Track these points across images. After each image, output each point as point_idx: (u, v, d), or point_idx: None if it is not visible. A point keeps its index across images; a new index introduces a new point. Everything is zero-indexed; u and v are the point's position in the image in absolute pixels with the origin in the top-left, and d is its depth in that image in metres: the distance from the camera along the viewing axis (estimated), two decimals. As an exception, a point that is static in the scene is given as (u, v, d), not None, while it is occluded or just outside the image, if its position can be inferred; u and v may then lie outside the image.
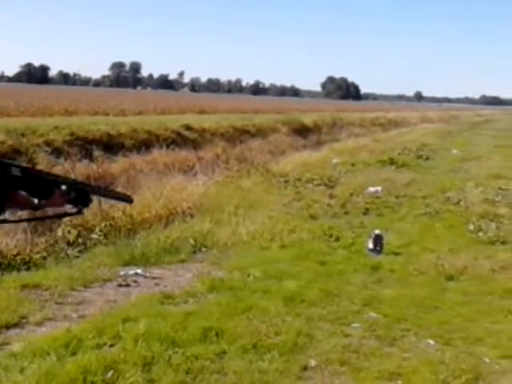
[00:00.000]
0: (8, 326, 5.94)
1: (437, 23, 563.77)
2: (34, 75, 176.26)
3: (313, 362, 5.34)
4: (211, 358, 5.30)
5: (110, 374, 4.81)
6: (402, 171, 19.26)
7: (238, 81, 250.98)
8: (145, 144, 22.00)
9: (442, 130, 47.48)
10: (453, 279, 7.95)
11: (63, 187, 2.05)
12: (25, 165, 1.99)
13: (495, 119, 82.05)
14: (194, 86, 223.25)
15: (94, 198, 2.25)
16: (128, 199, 2.64)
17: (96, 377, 4.75)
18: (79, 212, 2.12)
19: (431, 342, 5.92)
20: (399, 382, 5.04)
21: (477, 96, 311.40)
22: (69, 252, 8.85)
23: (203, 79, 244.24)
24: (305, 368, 5.25)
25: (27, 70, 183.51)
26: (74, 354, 5.21)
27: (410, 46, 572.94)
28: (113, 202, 2.29)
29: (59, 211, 2.14)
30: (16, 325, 6.04)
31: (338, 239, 9.93)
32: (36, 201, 2.05)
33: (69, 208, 2.16)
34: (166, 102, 48.36)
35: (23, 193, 2.01)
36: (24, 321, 6.15)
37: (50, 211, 2.19)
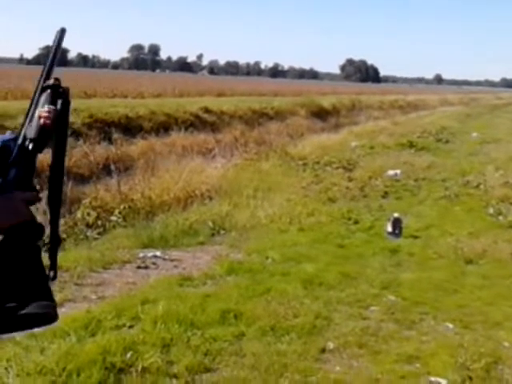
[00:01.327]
0: (28, 307, 5.98)
1: (457, 5, 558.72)
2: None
3: (331, 345, 5.35)
4: (229, 339, 5.32)
5: (129, 354, 4.84)
6: (421, 154, 19.16)
7: (257, 63, 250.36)
8: (163, 126, 21.98)
9: (462, 112, 47.16)
10: (472, 263, 7.93)
11: None
12: None
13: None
14: (213, 69, 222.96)
15: None
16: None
17: (115, 357, 4.78)
18: None
19: (450, 325, 5.91)
20: (417, 365, 5.04)
21: (497, 79, 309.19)
22: (88, 234, 8.89)
23: (222, 62, 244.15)
24: (323, 350, 5.26)
25: (46, 53, 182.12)
26: (93, 334, 5.25)
27: (430, 29, 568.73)
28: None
29: None
30: (36, 306, 6.07)
31: (356, 222, 9.92)
32: None
33: None
34: (185, 84, 48.25)
35: None
36: (44, 302, 6.19)
37: None
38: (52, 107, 1.97)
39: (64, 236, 8.72)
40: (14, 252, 1.81)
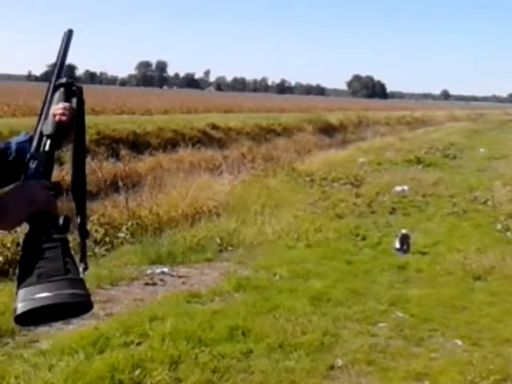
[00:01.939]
0: (36, 324, 5.97)
1: (464, 21, 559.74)
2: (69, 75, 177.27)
3: (339, 362, 5.34)
4: (238, 356, 5.31)
5: (137, 372, 4.83)
6: (428, 170, 19.16)
7: (264, 80, 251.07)
8: (171, 143, 22.05)
9: (469, 128, 47.16)
10: (480, 279, 7.90)
11: None
12: None
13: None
14: (220, 85, 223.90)
15: None
16: None
17: (123, 375, 4.78)
18: None
19: (459, 342, 5.88)
20: (426, 382, 5.02)
21: (505, 94, 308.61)
22: (96, 250, 8.89)
23: (229, 78, 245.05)
24: (331, 367, 5.25)
25: (54, 70, 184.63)
26: (101, 352, 5.24)
27: (436, 45, 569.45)
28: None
29: None
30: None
31: (364, 238, 9.90)
32: None
33: None
34: (192, 101, 48.47)
35: None
36: (52, 319, 6.19)
37: None
38: (67, 104, 2.00)
39: (72, 252, 8.73)
40: (42, 242, 1.83)
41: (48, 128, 1.97)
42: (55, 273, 1.77)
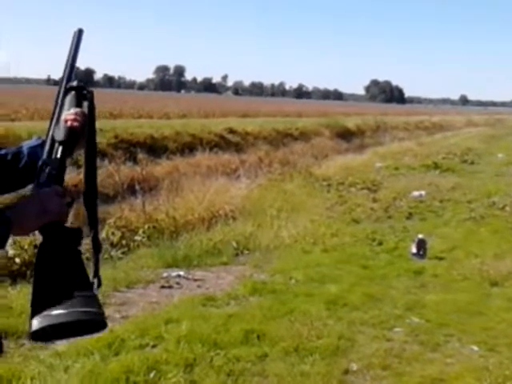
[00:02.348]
0: (52, 326, 6.01)
1: (482, 26, 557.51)
2: (80, 79, 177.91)
3: (354, 366, 5.32)
4: (253, 360, 5.31)
5: (152, 374, 4.84)
6: (446, 175, 19.09)
7: (282, 84, 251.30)
8: (188, 147, 22.13)
9: (487, 133, 46.95)
10: (497, 285, 7.85)
11: None
12: None
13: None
14: (238, 90, 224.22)
15: None
16: None
17: (138, 377, 4.79)
18: None
19: (475, 347, 5.85)
20: (442, 387, 5.00)
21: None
22: (112, 253, 8.93)
23: (246, 83, 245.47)
24: (346, 372, 5.23)
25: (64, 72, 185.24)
26: (116, 354, 5.26)
27: (455, 49, 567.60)
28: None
29: None
30: (60, 324, 6.10)
31: (380, 243, 9.88)
32: None
33: None
34: (210, 105, 48.58)
35: None
36: (68, 321, 6.21)
37: None
38: (79, 110, 1.98)
39: (88, 255, 8.77)
40: (56, 256, 1.82)
41: (60, 134, 1.95)
42: (69, 289, 1.78)
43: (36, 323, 1.71)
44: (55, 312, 1.71)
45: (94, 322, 1.80)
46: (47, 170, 1.92)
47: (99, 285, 1.91)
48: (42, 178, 1.91)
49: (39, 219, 1.82)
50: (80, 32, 2.09)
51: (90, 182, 2.06)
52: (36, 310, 1.73)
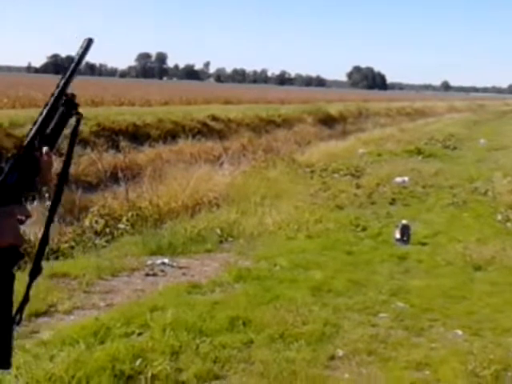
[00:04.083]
0: (37, 315, 6.00)
1: (463, 11, 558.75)
2: (61, 66, 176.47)
3: (340, 352, 5.34)
4: (238, 347, 5.32)
5: (138, 362, 4.84)
6: (428, 161, 19.15)
7: (264, 71, 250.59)
8: (171, 134, 22.04)
9: (469, 119, 47.10)
10: (481, 269, 7.91)
11: None
12: None
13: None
14: (220, 77, 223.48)
15: None
16: None
17: (124, 365, 4.78)
18: None
19: (459, 332, 5.89)
20: (427, 372, 5.03)
21: (505, 85, 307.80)
22: (96, 241, 8.91)
23: (229, 70, 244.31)
24: (332, 357, 5.26)
25: (54, 61, 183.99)
26: (102, 342, 5.25)
27: (436, 35, 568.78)
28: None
29: None
30: (45, 313, 6.09)
31: (364, 229, 9.91)
32: None
33: None
34: (192, 92, 48.37)
35: None
36: (53, 309, 6.21)
37: None
38: (52, 159, 1.84)
39: (72, 244, 8.75)
40: None
41: (25, 163, 1.79)
42: None
43: None
44: None
45: None
46: (15, 174, 1.77)
47: (19, 322, 1.84)
48: (12, 179, 1.76)
49: None
50: (90, 41, 1.94)
51: (56, 202, 1.95)
52: None
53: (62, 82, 1.88)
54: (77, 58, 1.92)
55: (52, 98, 1.87)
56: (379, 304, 6.57)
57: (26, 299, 1.87)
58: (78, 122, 1.92)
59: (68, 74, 1.90)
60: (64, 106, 1.88)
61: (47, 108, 1.86)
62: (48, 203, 10.34)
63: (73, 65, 1.92)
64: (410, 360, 5.21)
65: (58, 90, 1.87)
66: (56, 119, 1.86)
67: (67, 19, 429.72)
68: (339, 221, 10.34)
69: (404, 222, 9.27)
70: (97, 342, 5.23)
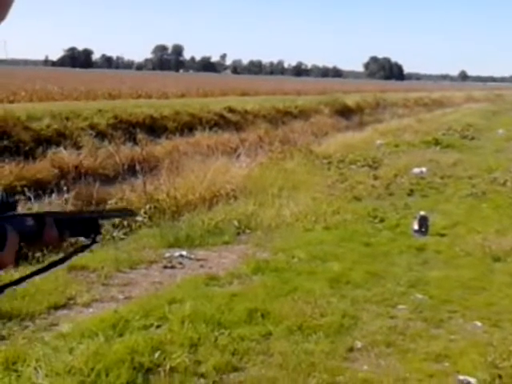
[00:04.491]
0: (56, 307, 6.03)
1: (481, 0, 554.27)
2: (78, 59, 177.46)
3: (359, 344, 5.33)
4: (257, 339, 5.32)
5: (157, 354, 4.85)
6: (446, 152, 19.04)
7: (280, 62, 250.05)
8: (188, 126, 22.08)
9: (488, 109, 46.78)
10: (500, 260, 7.86)
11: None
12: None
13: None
14: (236, 69, 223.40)
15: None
16: (130, 213, 2.52)
17: (143, 357, 4.80)
18: (94, 241, 1.93)
19: (478, 323, 5.86)
20: (446, 363, 5.00)
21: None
22: (114, 234, 8.92)
23: (245, 61, 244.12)
24: (351, 349, 5.24)
25: (71, 54, 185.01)
26: (121, 334, 5.26)
27: (453, 24, 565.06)
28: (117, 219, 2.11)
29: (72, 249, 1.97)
30: (64, 306, 6.12)
31: (382, 220, 9.87)
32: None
33: (82, 241, 1.98)
34: (209, 84, 48.41)
35: None
36: (71, 302, 6.23)
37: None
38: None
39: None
40: None
41: None
42: None
43: None
44: None
45: None
46: None
47: None
48: None
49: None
50: None
51: None
52: None
53: None
54: None
55: None
56: (398, 296, 6.54)
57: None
58: None
59: None
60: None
61: None
62: (66, 195, 10.43)
63: None
64: (429, 352, 5.19)
65: None
66: None
67: (83, 13, 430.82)
68: (357, 212, 10.31)
69: (422, 213, 9.22)
70: (116, 335, 5.25)
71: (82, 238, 1.87)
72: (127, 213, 2.60)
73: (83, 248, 1.90)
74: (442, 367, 4.95)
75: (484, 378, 4.69)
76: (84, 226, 1.86)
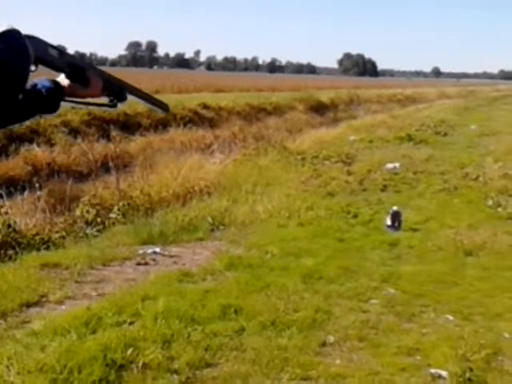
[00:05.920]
0: (28, 305, 5.99)
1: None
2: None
3: (331, 338, 5.36)
4: (230, 334, 5.32)
5: (129, 351, 4.83)
6: (420, 147, 19.13)
7: (255, 59, 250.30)
8: (162, 123, 22.03)
9: (460, 105, 47.09)
10: (472, 255, 7.92)
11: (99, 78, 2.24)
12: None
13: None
14: (211, 65, 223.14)
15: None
16: (163, 107, 2.62)
17: (116, 354, 4.78)
18: (113, 105, 2.26)
19: (450, 317, 5.91)
20: (418, 357, 5.04)
21: (495, 71, 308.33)
22: (87, 231, 8.89)
23: (219, 58, 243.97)
24: (323, 344, 5.26)
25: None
26: (94, 332, 5.24)
27: (427, 22, 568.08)
28: (148, 106, 2.21)
29: (97, 100, 2.29)
30: (36, 303, 6.08)
31: (355, 216, 9.90)
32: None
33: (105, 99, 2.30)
34: (183, 80, 48.24)
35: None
36: (44, 299, 6.20)
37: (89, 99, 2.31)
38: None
39: (63, 234, 8.74)
40: None
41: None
42: None
43: None
44: None
45: None
46: None
47: None
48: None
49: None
50: None
51: None
52: None
53: None
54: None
55: None
56: (370, 290, 6.58)
57: None
58: None
59: None
60: None
61: None
62: (39, 193, 10.36)
63: None
64: (401, 345, 5.22)
65: None
66: None
67: (58, 8, 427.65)
68: (330, 208, 10.34)
69: (395, 208, 9.27)
70: (88, 332, 5.22)
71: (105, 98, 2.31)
72: (161, 106, 2.69)
73: (102, 105, 2.36)
74: (413, 361, 4.99)
75: (455, 370, 4.73)
76: (117, 90, 2.36)
